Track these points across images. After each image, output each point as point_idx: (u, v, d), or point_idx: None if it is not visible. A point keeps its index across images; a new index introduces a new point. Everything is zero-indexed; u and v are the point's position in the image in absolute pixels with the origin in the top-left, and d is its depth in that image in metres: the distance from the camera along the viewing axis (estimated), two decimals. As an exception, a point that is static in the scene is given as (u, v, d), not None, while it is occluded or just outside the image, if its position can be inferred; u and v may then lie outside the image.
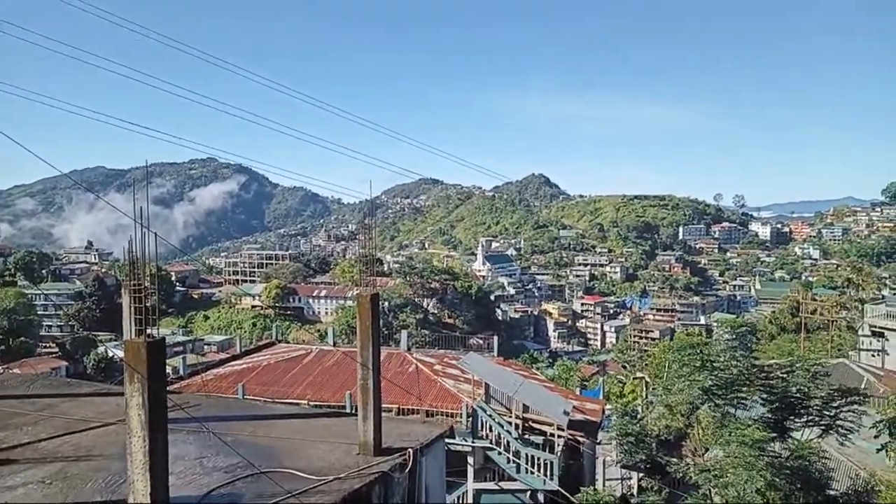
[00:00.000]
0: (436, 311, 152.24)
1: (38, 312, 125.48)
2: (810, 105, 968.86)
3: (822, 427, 18.94)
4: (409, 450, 10.24)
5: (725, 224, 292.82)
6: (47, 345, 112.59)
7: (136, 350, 6.81)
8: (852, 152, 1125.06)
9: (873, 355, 42.98)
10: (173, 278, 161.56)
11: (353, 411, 12.67)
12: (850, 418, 18.75)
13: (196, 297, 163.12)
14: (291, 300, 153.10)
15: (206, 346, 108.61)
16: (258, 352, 36.81)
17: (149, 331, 6.96)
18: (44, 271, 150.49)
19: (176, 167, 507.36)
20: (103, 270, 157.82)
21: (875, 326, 44.19)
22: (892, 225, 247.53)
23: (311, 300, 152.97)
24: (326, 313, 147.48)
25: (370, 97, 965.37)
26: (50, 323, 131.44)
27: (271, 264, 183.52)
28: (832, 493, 17.21)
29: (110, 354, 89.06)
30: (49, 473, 9.24)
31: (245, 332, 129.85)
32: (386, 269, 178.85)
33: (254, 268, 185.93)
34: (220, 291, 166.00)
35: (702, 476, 16.81)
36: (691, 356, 19.40)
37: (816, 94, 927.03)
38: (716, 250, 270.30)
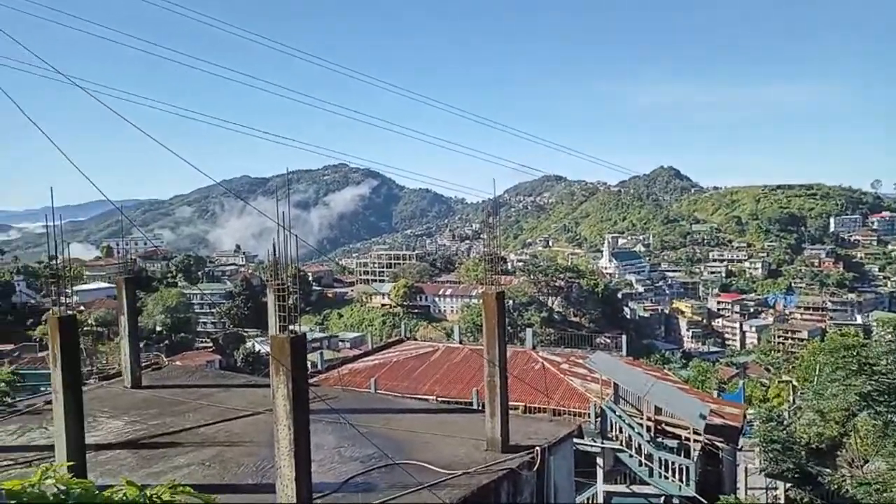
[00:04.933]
0: (561, 310, 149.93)
1: (196, 310, 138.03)
2: None
3: None
4: (537, 448, 10.20)
5: (886, 213, 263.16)
6: (203, 340, 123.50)
7: (281, 345, 7.36)
8: None
9: None
10: (310, 278, 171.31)
11: (480, 408, 12.82)
12: None
13: (330, 295, 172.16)
14: (418, 298, 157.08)
15: (340, 343, 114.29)
16: (388, 348, 38.11)
17: (291, 327, 7.50)
18: (200, 273, 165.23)
19: (311, 174, 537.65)
20: (250, 272, 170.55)
21: None
22: None
23: (437, 298, 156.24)
24: (452, 311, 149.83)
25: (491, 97, 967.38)
26: (205, 320, 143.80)
27: (399, 264, 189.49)
28: None
29: (257, 349, 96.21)
30: (208, 457, 10.22)
31: (375, 329, 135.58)
32: (510, 267, 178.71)
33: (382, 267, 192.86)
34: (352, 290, 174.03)
35: (861, 489, 15.35)
36: (847, 358, 17.79)
37: None
38: (874, 242, 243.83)
